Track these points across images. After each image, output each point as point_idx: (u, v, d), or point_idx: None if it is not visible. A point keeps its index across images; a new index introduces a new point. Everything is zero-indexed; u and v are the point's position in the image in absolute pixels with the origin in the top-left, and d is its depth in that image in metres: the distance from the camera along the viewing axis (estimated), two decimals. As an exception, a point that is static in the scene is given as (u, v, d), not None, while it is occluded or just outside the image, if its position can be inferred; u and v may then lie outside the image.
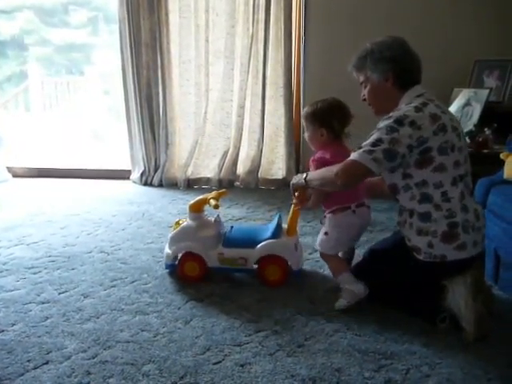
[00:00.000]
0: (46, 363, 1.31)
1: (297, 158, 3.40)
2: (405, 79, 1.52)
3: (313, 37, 3.25)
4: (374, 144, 1.43)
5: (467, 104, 2.79)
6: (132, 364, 1.31)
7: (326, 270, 1.94)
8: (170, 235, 1.89)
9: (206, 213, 1.91)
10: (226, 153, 3.35)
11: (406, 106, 1.48)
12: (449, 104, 2.88)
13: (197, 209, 1.87)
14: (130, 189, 3.40)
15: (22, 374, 1.27)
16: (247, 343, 1.42)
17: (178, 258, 1.86)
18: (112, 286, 1.80)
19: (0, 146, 3.58)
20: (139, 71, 3.26)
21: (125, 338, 1.44)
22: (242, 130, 3.32)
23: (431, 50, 3.02)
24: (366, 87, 1.60)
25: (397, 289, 1.56)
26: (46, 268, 1.96)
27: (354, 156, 1.46)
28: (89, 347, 1.39)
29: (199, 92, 3.28)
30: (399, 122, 1.42)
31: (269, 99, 3.28)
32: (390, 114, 1.47)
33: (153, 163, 3.43)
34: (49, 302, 1.66)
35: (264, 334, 1.47)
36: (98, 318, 1.56)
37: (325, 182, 1.57)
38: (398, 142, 1.41)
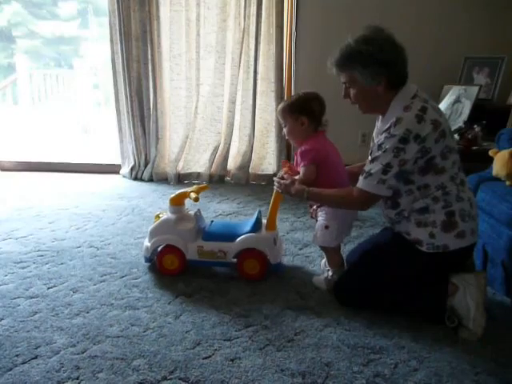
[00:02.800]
0: (35, 358, 1.31)
1: (287, 154, 3.39)
2: (397, 81, 1.48)
3: (304, 32, 3.24)
4: (385, 171, 1.43)
5: (457, 101, 2.81)
6: (122, 359, 1.31)
7: (315, 266, 1.95)
8: (149, 228, 1.89)
9: (186, 207, 1.92)
10: (216, 148, 3.34)
11: (406, 115, 1.41)
12: (439, 101, 2.91)
13: (177, 202, 1.88)
14: (120, 183, 3.37)
15: (11, 369, 1.26)
16: (237, 338, 1.42)
17: (158, 251, 1.86)
18: (101, 281, 1.79)
19: (-13, 139, 3.52)
20: (129, 65, 3.23)
21: (114, 333, 1.43)
22: (233, 125, 3.31)
23: (422, 47, 3.05)
24: (350, 87, 1.53)
25: (396, 289, 1.54)
26: (34, 263, 1.95)
27: (367, 186, 1.46)
28: (78, 342, 1.38)
29: (190, 86, 3.26)
30: (404, 140, 1.39)
31: (260, 94, 3.27)
32: (393, 132, 1.41)
33: (143, 158, 3.41)
34: (37, 297, 1.65)
35: (254, 328, 1.48)
36: (87, 312, 1.55)
37: (333, 206, 1.62)
38: (407, 162, 1.41)
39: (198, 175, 3.38)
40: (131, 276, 1.83)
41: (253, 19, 3.13)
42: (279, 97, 3.23)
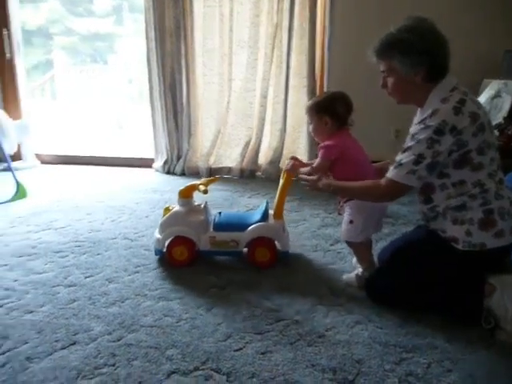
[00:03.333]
0: (73, 344, 1.36)
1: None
2: (437, 72, 1.44)
3: (337, 26, 3.21)
4: (417, 161, 1.40)
5: (497, 95, 2.72)
6: (156, 348, 1.34)
7: (346, 262, 1.94)
8: (160, 221, 1.93)
9: (194, 199, 1.96)
10: (248, 143, 3.36)
11: (443, 107, 1.38)
12: (478, 95, 2.82)
13: (186, 195, 1.92)
14: (153, 177, 3.44)
15: (51, 354, 1.31)
16: (268, 332, 1.43)
17: (167, 243, 1.89)
18: (136, 272, 1.83)
19: (28, 133, 3.65)
20: (163, 60, 3.28)
21: (148, 323, 1.47)
22: (265, 120, 3.31)
23: (459, 39, 2.94)
24: (388, 76, 1.51)
25: (430, 288, 1.51)
26: (72, 252, 2.01)
27: (397, 176, 1.44)
28: (114, 330, 1.43)
29: (222, 81, 3.28)
30: (439, 131, 1.36)
31: (292, 89, 3.27)
32: (428, 122, 1.38)
33: (175, 152, 3.47)
34: (75, 286, 1.71)
35: (284, 323, 1.48)
36: (122, 302, 1.60)
37: (360, 197, 1.61)
38: (440, 153, 1.38)
39: (229, 170, 3.41)
40: (164, 268, 1.87)
41: (286, 14, 3.12)
42: (311, 92, 3.21)
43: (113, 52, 9.62)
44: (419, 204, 1.59)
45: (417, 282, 1.53)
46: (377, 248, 2.03)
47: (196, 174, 3.42)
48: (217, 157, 3.41)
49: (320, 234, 2.26)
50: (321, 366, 1.27)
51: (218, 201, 2.78)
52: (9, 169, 2.87)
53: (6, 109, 3.63)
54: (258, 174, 3.44)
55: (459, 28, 2.99)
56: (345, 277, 1.78)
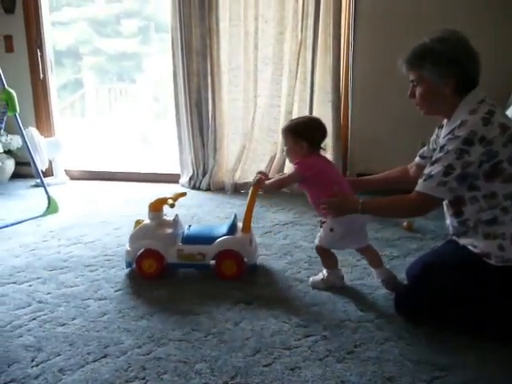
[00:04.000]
0: (105, 357, 1.38)
1: (344, 164, 3.37)
2: (466, 85, 1.44)
3: (361, 42, 3.22)
4: (446, 173, 1.39)
5: (526, 109, 2.67)
6: (184, 362, 1.35)
7: (374, 278, 1.92)
8: (130, 234, 1.96)
9: (165, 212, 2.00)
10: (273, 158, 3.38)
11: (471, 118, 1.38)
12: (506, 108, 2.77)
13: (156, 208, 1.96)
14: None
15: (83, 366, 1.33)
16: (296, 347, 1.43)
17: (137, 255, 1.92)
18: (163, 286, 1.85)
19: (59, 150, 3.77)
20: (190, 78, 3.36)
21: (177, 337, 1.48)
22: (289, 135, 3.33)
23: (489, 51, 2.93)
24: (416, 86, 1.51)
25: (461, 305, 1.47)
26: (102, 266, 2.06)
27: (427, 189, 1.43)
28: (143, 344, 1.44)
29: (247, 98, 3.33)
30: (468, 141, 1.35)
31: (316, 105, 3.28)
32: (456, 133, 1.38)
33: (201, 168, 3.51)
34: (105, 299, 1.74)
35: (313, 338, 1.47)
36: (151, 316, 1.62)
37: (390, 214, 1.61)
38: (470, 164, 1.37)
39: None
40: (191, 282, 1.89)
41: (310, 31, 3.15)
42: (336, 107, 3.22)
43: (139, 71, 9.87)
44: (449, 218, 1.57)
45: (449, 299, 1.49)
46: (405, 263, 2.01)
47: (221, 189, 3.45)
48: (242, 172, 3.44)
49: (346, 250, 2.24)
50: (351, 383, 1.26)
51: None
52: (41, 184, 2.97)
53: (38, 127, 3.76)
54: (283, 189, 3.44)
55: (486, 37, 2.96)
56: (311, 280, 1.86)
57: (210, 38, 3.27)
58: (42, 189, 2.99)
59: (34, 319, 1.60)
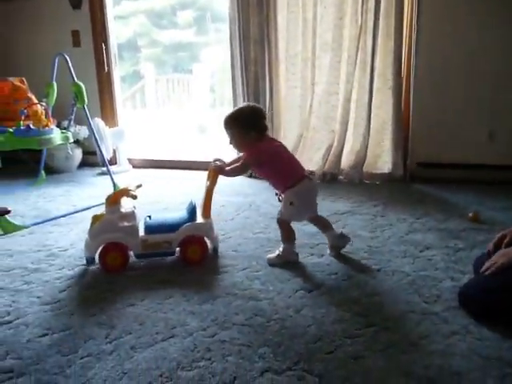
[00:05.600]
0: (172, 337, 1.44)
1: (404, 153, 3.27)
2: None
3: (426, 25, 3.08)
4: None
5: None
6: (248, 346, 1.38)
7: (438, 269, 1.86)
8: (90, 229, 1.95)
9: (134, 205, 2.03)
10: (330, 146, 3.34)
11: None
12: None
13: (114, 202, 1.96)
14: (236, 181, 3.50)
15: (152, 345, 1.40)
16: (358, 337, 1.42)
17: (99, 250, 1.92)
18: (225, 272, 1.90)
19: (122, 139, 3.94)
20: (247, 67, 3.38)
21: (240, 321, 1.52)
22: (348, 123, 3.28)
23: None
24: None
25: None
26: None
27: None
28: (208, 326, 1.49)
29: (305, 85, 3.31)
30: None
31: (376, 91, 3.20)
32: None
33: (258, 156, 3.53)
34: (170, 283, 1.81)
35: (375, 328, 1.46)
36: (214, 300, 1.66)
37: None
38: None
39: (311, 173, 3.40)
40: (252, 269, 1.92)
41: (370, 15, 3.07)
42: (397, 94, 3.13)
43: (194, 61, 10.04)
44: None
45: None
46: (471, 255, 1.94)
47: (277, 177, 3.46)
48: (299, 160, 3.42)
49: (408, 240, 2.19)
50: (416, 375, 1.24)
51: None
52: (107, 172, 3.12)
53: (103, 117, 3.94)
54: (340, 177, 3.41)
55: None
56: (268, 257, 1.97)
57: (267, 27, 3.26)
58: (108, 177, 3.15)
59: (105, 299, 1.69)
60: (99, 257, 1.95)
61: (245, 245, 2.19)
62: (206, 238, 2.01)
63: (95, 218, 1.98)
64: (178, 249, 1.99)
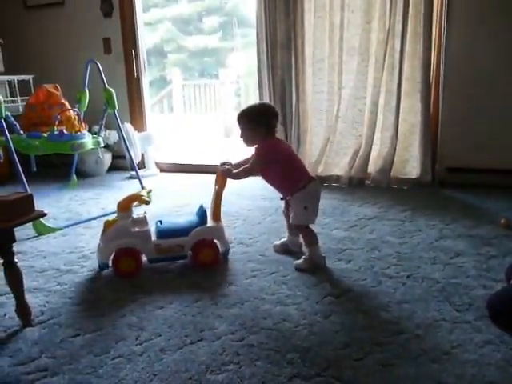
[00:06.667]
0: (201, 340, 1.45)
1: (433, 158, 3.21)
2: None
3: (456, 29, 3.03)
4: None
5: None
6: (276, 351, 1.38)
7: (470, 276, 1.82)
8: (103, 235, 1.97)
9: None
10: (357, 151, 3.31)
11: None
12: None
13: (126, 208, 1.97)
14: (262, 185, 3.51)
15: (181, 348, 1.42)
16: (388, 344, 1.40)
17: (113, 256, 1.93)
18: (253, 276, 1.91)
19: (151, 144, 4.01)
20: (274, 71, 3.39)
21: (268, 326, 1.52)
22: (375, 127, 3.25)
23: None
24: None
25: None
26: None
27: None
28: (236, 330, 1.50)
29: (332, 90, 3.29)
30: None
31: (404, 95, 3.16)
32: None
33: (284, 161, 3.53)
34: (198, 287, 1.83)
35: (405, 336, 1.44)
36: (242, 304, 1.67)
37: None
38: None
39: (337, 178, 3.39)
40: (279, 273, 1.92)
41: (399, 18, 3.04)
42: (425, 98, 3.08)
43: (220, 66, 10.14)
44: None
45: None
46: (504, 263, 1.89)
47: (304, 182, 3.45)
48: (325, 165, 3.41)
49: (438, 246, 2.15)
50: (448, 385, 1.21)
51: (329, 210, 2.78)
52: (136, 176, 3.18)
53: (132, 122, 4.02)
54: (367, 182, 3.37)
55: None
56: (295, 264, 1.96)
57: (294, 31, 3.27)
58: (136, 180, 3.21)
59: (134, 301, 1.72)
60: (112, 262, 1.96)
61: (272, 249, 2.19)
62: (216, 242, 2.03)
63: (107, 224, 2.00)
64: (189, 252, 2.02)
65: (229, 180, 2.05)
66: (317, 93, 3.34)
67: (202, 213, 2.06)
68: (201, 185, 3.60)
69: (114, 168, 4.21)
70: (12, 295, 1.56)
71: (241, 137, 2.02)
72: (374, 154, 3.32)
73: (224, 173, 2.01)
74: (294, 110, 3.38)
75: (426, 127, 3.11)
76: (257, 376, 1.27)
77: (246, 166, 1.99)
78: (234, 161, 2.10)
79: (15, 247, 1.51)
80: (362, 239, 2.28)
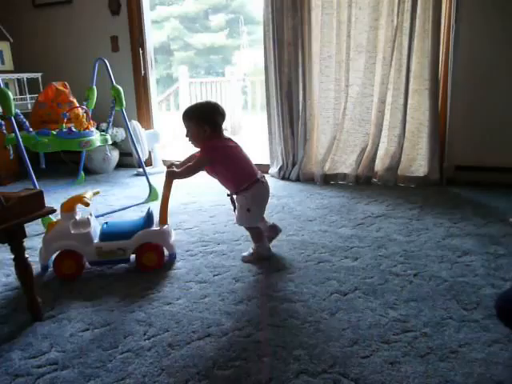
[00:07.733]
0: (208, 336, 1.46)
1: (440, 156, 3.20)
2: None
3: (465, 26, 3.01)
4: None
5: None
6: (283, 347, 1.39)
7: (477, 275, 1.82)
8: (44, 236, 1.93)
9: (78, 211, 1.97)
10: (364, 149, 3.30)
11: None
12: None
13: (69, 209, 1.92)
14: (269, 183, 3.52)
15: (189, 343, 1.43)
16: (395, 342, 1.40)
17: (53, 258, 1.90)
18: (259, 273, 1.91)
19: (158, 141, 4.02)
20: (281, 69, 3.38)
21: (275, 323, 1.52)
22: (382, 125, 3.24)
23: None
24: None
25: None
26: (200, 252, 2.17)
27: None
28: (243, 327, 1.51)
29: (339, 88, 3.28)
30: None
31: (412, 93, 3.14)
32: None
33: (291, 158, 3.54)
34: (206, 283, 1.84)
35: (413, 334, 1.44)
36: (249, 301, 1.68)
37: None
38: None
39: (344, 176, 3.38)
40: (286, 271, 1.93)
41: (407, 15, 3.02)
42: (433, 95, 3.06)
43: (226, 63, 10.14)
44: None
45: None
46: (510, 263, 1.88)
47: (311, 179, 3.46)
48: (332, 163, 3.41)
49: (445, 245, 2.14)
50: (456, 383, 1.21)
51: (336, 208, 2.78)
52: (143, 174, 3.19)
53: (139, 120, 4.04)
54: (374, 180, 3.36)
55: None
56: (242, 257, 2.04)
57: (301, 29, 3.26)
58: (143, 178, 3.22)
59: (142, 297, 1.74)
60: (53, 264, 1.92)
61: (278, 247, 2.19)
62: (162, 245, 2.00)
63: (50, 225, 1.96)
64: (133, 255, 1.97)
65: (175, 181, 2.02)
66: (324, 90, 3.33)
67: (147, 216, 2.02)
68: (207, 182, 3.61)
69: (121, 165, 4.23)
70: (22, 290, 1.58)
71: (186, 136, 1.99)
72: (381, 152, 3.31)
73: (168, 175, 1.99)
74: (300, 107, 3.38)
75: (433, 125, 3.10)
76: (263, 372, 1.28)
77: (190, 164, 1.98)
78: (180, 160, 2.10)
79: (25, 243, 1.53)
80: (369, 237, 2.28)
